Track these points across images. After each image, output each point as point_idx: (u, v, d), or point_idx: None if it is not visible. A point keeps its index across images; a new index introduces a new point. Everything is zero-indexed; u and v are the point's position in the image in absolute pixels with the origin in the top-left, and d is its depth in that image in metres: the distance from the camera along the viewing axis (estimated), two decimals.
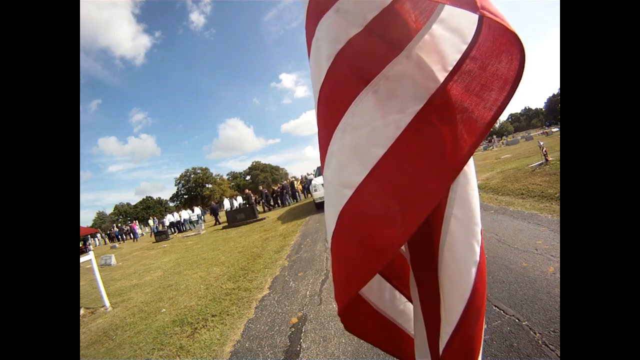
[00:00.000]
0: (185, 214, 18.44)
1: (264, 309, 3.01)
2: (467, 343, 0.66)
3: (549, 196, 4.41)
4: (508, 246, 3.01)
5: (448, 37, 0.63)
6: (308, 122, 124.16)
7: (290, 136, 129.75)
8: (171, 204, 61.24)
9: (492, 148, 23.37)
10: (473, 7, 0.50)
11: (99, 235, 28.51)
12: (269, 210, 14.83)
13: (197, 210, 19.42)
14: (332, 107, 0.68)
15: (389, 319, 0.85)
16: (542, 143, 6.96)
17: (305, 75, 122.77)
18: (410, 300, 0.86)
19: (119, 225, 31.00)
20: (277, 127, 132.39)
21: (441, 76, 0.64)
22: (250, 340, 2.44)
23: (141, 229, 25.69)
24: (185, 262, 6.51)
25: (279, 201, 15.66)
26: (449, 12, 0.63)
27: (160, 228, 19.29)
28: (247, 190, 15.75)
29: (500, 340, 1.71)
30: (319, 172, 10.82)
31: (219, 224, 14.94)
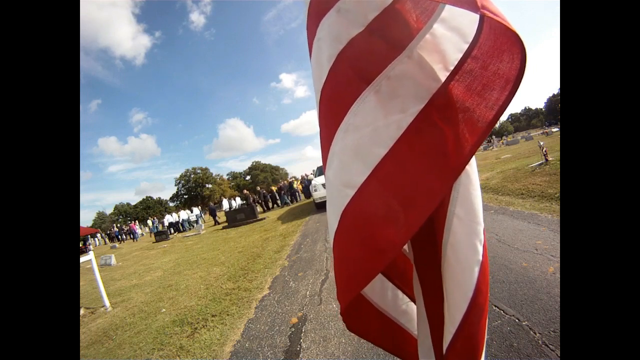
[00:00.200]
0: (184, 214, 18.44)
1: (264, 309, 3.01)
2: (470, 342, 0.66)
3: (549, 196, 4.41)
4: (508, 246, 3.01)
5: (449, 37, 0.63)
6: (308, 122, 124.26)
7: (290, 136, 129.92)
8: (171, 204, 61.26)
9: (492, 148, 23.37)
10: (473, 6, 0.50)
11: (99, 235, 28.51)
12: (267, 210, 14.83)
13: (196, 210, 19.41)
14: (333, 107, 0.68)
15: (391, 319, 0.85)
16: (542, 143, 6.96)
17: (305, 75, 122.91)
18: (412, 299, 0.86)
19: (119, 225, 31.00)
20: (277, 127, 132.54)
21: (442, 76, 0.64)
22: (250, 340, 2.44)
23: (141, 229, 25.68)
24: (185, 262, 6.51)
25: (278, 201, 15.66)
26: (450, 11, 0.63)
27: (160, 228, 19.30)
28: (245, 191, 15.77)
29: (500, 340, 1.71)
30: (319, 172, 10.84)
31: (218, 224, 15.04)
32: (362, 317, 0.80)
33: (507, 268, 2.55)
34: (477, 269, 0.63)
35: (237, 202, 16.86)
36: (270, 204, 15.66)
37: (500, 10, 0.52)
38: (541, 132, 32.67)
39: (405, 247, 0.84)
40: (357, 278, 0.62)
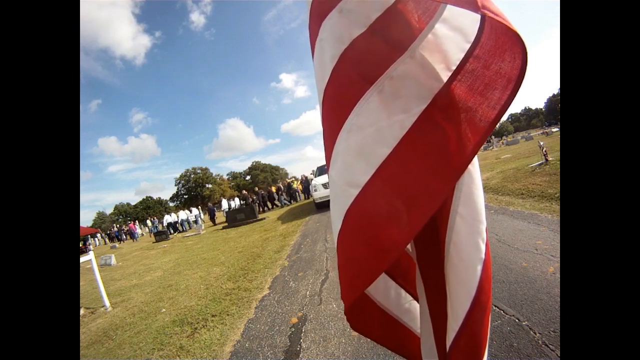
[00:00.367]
0: (182, 215, 18.47)
1: (264, 309, 3.01)
2: (473, 339, 0.67)
3: (549, 196, 4.41)
4: (508, 246, 3.01)
5: (451, 37, 0.64)
6: (308, 122, 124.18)
7: (290, 136, 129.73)
8: (171, 204, 61.25)
9: (492, 148, 23.38)
10: (474, 6, 0.50)
11: (99, 235, 28.51)
12: (264, 211, 14.85)
13: (195, 210, 19.42)
14: (336, 107, 0.69)
15: (394, 318, 0.85)
16: (542, 143, 6.96)
17: (305, 75, 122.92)
18: (415, 298, 0.87)
19: (119, 225, 31.01)
20: (277, 127, 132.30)
21: (445, 76, 0.64)
22: (250, 340, 2.44)
23: (141, 229, 25.67)
24: (185, 262, 6.51)
25: (277, 202, 15.65)
26: (452, 11, 0.63)
27: (160, 228, 19.30)
28: (243, 191, 15.76)
29: (500, 340, 1.71)
30: (319, 172, 10.84)
31: (215, 224, 15.15)
32: (365, 316, 0.81)
33: (507, 268, 2.55)
34: (479, 267, 0.64)
35: (236, 202, 16.87)
36: (269, 205, 15.67)
37: (501, 9, 0.52)
38: (541, 132, 32.67)
39: (408, 246, 0.85)
40: (361, 277, 0.62)
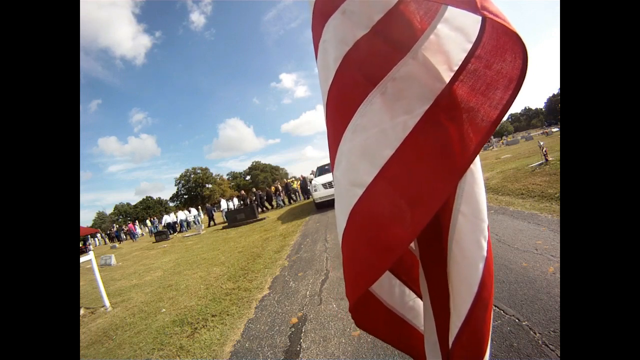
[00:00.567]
0: (181, 215, 18.50)
1: (264, 309, 3.01)
2: (476, 335, 0.68)
3: (549, 196, 4.41)
4: (508, 246, 3.01)
5: (453, 37, 0.64)
6: (308, 122, 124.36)
7: (290, 136, 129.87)
8: (171, 204, 61.28)
9: (492, 148, 23.38)
10: (473, 7, 0.50)
11: (99, 235, 28.51)
12: (263, 211, 14.85)
13: (194, 211, 19.43)
14: (340, 108, 0.70)
15: (398, 315, 0.87)
16: (542, 143, 6.96)
17: (305, 76, 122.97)
18: (419, 296, 0.88)
19: (119, 225, 31.02)
20: (277, 127, 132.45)
21: (447, 76, 0.65)
22: (250, 340, 2.44)
23: (141, 229, 25.68)
24: (185, 262, 6.51)
25: (274, 203, 15.63)
26: (453, 11, 0.63)
27: (160, 228, 19.32)
28: (242, 192, 15.75)
29: (500, 340, 1.71)
30: (319, 172, 10.82)
31: (214, 224, 15.24)
32: (370, 314, 0.82)
33: (507, 268, 2.55)
34: (481, 265, 0.65)
35: (235, 202, 16.89)
36: (266, 205, 15.67)
37: (501, 10, 0.52)
38: (541, 132, 32.66)
39: (412, 244, 0.86)
40: (365, 275, 0.63)
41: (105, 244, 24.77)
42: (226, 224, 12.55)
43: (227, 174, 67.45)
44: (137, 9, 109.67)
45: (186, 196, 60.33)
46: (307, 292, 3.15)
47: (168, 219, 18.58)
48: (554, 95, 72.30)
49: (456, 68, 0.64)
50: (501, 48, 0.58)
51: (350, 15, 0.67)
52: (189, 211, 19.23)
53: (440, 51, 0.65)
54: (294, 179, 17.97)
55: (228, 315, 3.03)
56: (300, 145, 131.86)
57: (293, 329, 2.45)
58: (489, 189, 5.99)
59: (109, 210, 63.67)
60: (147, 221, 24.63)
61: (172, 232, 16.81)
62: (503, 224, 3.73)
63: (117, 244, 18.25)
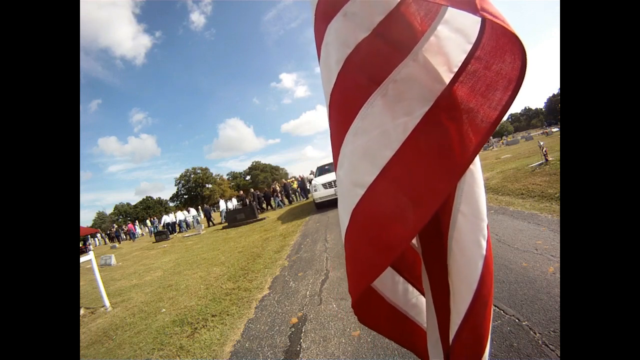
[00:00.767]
0: (180, 215, 18.57)
1: (264, 309, 3.01)
2: (475, 332, 0.70)
3: (549, 196, 4.41)
4: (508, 246, 3.01)
5: (453, 38, 0.65)
6: (308, 122, 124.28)
7: (290, 136, 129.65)
8: (171, 204, 61.26)
9: (492, 148, 23.39)
10: (473, 8, 0.51)
11: (99, 235, 28.51)
12: (263, 212, 14.86)
13: (193, 211, 19.47)
14: (343, 110, 0.71)
15: (401, 312, 0.88)
16: (542, 143, 6.96)
17: (305, 76, 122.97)
18: (422, 293, 0.89)
19: (119, 225, 31.04)
20: (277, 127, 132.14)
21: (447, 77, 0.66)
22: (250, 340, 2.44)
23: (141, 229, 25.70)
24: (185, 262, 6.51)
25: (272, 203, 15.64)
26: (453, 12, 0.64)
27: (160, 228, 19.35)
28: (241, 192, 15.76)
29: (500, 340, 1.71)
30: (319, 172, 10.82)
31: (212, 225, 15.36)
32: (373, 310, 0.84)
33: (507, 268, 2.55)
34: (480, 263, 0.66)
35: (234, 203, 16.92)
36: (264, 206, 15.67)
37: (500, 11, 0.52)
38: (541, 132, 32.64)
39: (415, 242, 0.87)
40: (366, 272, 0.65)
41: (105, 244, 24.77)
42: (226, 224, 12.54)
43: (227, 174, 67.53)
44: (137, 9, 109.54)
45: (186, 196, 60.32)
46: (307, 292, 3.15)
47: (167, 219, 18.67)
48: (554, 95, 72.31)
49: (456, 69, 0.65)
50: (500, 49, 0.59)
51: (352, 18, 0.67)
52: (188, 211, 19.27)
53: (440, 52, 0.65)
54: (293, 178, 17.94)
55: (228, 315, 3.04)
56: (300, 145, 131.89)
57: (293, 329, 2.45)
58: (489, 189, 6.00)
59: (109, 210, 63.74)
60: (147, 221, 24.66)
61: (171, 232, 16.84)
62: (503, 224, 3.74)
63: (117, 244, 18.26)
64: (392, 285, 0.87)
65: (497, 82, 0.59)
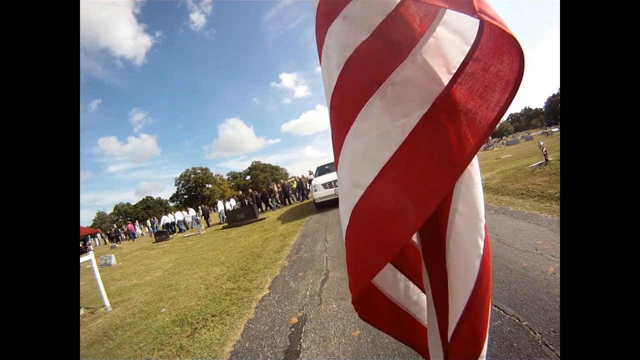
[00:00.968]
0: (179, 216, 18.63)
1: (264, 309, 3.01)
2: (473, 330, 0.70)
3: (549, 196, 4.41)
4: (508, 246, 3.01)
5: (452, 40, 0.65)
6: (308, 122, 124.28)
7: (290, 136, 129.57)
8: (171, 204, 61.24)
9: (492, 148, 23.39)
10: (471, 10, 0.51)
11: (99, 235, 28.52)
12: (262, 212, 14.85)
13: (192, 211, 19.51)
14: (343, 112, 0.72)
15: (403, 310, 0.89)
16: (542, 143, 6.96)
17: (305, 75, 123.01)
18: (423, 291, 0.90)
19: (119, 225, 31.04)
20: (277, 127, 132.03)
21: (445, 79, 0.66)
22: (250, 340, 2.44)
23: (141, 229, 25.71)
24: (185, 262, 6.51)
25: (269, 204, 15.64)
26: (452, 14, 0.64)
27: (159, 228, 19.38)
28: (240, 192, 15.76)
29: (500, 340, 1.71)
30: (319, 172, 10.83)
31: (210, 226, 15.50)
32: (374, 307, 0.85)
33: (507, 268, 2.55)
34: (478, 262, 0.67)
35: (232, 203, 16.94)
36: (262, 206, 15.67)
37: (498, 13, 0.53)
38: (541, 132, 32.63)
39: (416, 240, 0.88)
40: (365, 270, 0.66)
41: (105, 244, 24.79)
42: (226, 224, 12.54)
43: (227, 174, 67.48)
44: (138, 9, 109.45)
45: (186, 196, 60.30)
46: (307, 292, 3.15)
47: (166, 219, 18.75)
48: (554, 95, 72.29)
49: (454, 70, 0.66)
50: (499, 51, 0.59)
51: (351, 21, 0.68)
52: (187, 212, 19.31)
53: (439, 54, 0.66)
54: (294, 178, 17.92)
55: (228, 315, 3.04)
56: (300, 145, 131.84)
57: (293, 329, 2.45)
58: (489, 189, 6.00)
59: (109, 210, 63.70)
60: (148, 221, 24.70)
61: (171, 232, 16.87)
62: (503, 224, 3.74)
63: (117, 244, 18.27)
64: (393, 282, 0.88)
65: (495, 84, 0.60)
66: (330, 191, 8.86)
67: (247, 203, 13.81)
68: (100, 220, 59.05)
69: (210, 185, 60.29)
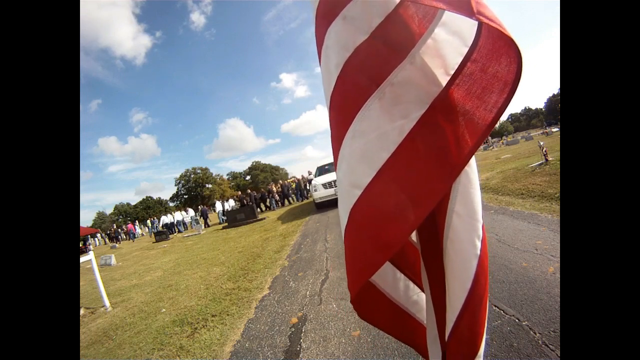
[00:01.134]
0: (178, 216, 18.68)
1: (264, 309, 3.01)
2: (470, 329, 0.71)
3: (549, 196, 4.41)
4: (508, 246, 3.01)
5: (450, 41, 0.66)
6: (308, 122, 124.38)
7: (290, 136, 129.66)
8: (171, 204, 61.24)
9: (492, 148, 23.40)
10: (469, 11, 0.52)
11: (99, 235, 28.52)
12: (262, 212, 14.85)
13: (191, 211, 19.52)
14: (342, 113, 0.72)
15: (402, 309, 0.90)
16: (542, 143, 6.96)
17: (305, 75, 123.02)
18: (423, 290, 0.90)
19: (119, 225, 31.05)
20: (277, 127, 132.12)
21: (444, 80, 0.66)
22: (250, 340, 2.44)
23: (141, 229, 25.71)
24: (185, 262, 6.51)
25: (268, 204, 15.62)
26: (450, 15, 0.64)
27: (160, 228, 19.40)
28: (239, 193, 15.76)
29: (500, 340, 1.71)
30: (319, 172, 10.83)
31: (208, 226, 15.59)
32: (373, 306, 0.86)
33: (507, 268, 2.55)
34: (475, 262, 0.67)
35: (231, 203, 16.94)
36: (262, 207, 15.66)
37: (496, 14, 0.53)
38: (541, 132, 32.62)
39: (415, 239, 0.89)
40: (364, 269, 0.67)
41: (105, 244, 24.77)
42: (225, 224, 12.54)
43: (227, 174, 67.47)
44: (138, 9, 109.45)
45: (186, 196, 60.29)
46: (307, 292, 3.15)
47: (166, 219, 18.80)
48: (554, 95, 72.28)
49: (452, 72, 0.66)
50: (497, 52, 0.59)
51: (351, 21, 0.68)
52: (186, 212, 19.32)
53: (437, 55, 0.66)
54: (294, 178, 17.92)
55: (228, 315, 3.04)
56: (300, 145, 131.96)
57: (293, 329, 2.45)
58: (489, 189, 6.00)
59: (109, 210, 63.71)
60: (148, 221, 24.72)
61: (171, 232, 16.88)
62: (503, 224, 3.74)
63: (117, 244, 18.27)
64: (393, 282, 0.88)
65: (493, 85, 0.60)
66: (330, 191, 8.86)
67: (245, 203, 13.81)
68: (100, 220, 59.05)
69: (210, 186, 60.29)
